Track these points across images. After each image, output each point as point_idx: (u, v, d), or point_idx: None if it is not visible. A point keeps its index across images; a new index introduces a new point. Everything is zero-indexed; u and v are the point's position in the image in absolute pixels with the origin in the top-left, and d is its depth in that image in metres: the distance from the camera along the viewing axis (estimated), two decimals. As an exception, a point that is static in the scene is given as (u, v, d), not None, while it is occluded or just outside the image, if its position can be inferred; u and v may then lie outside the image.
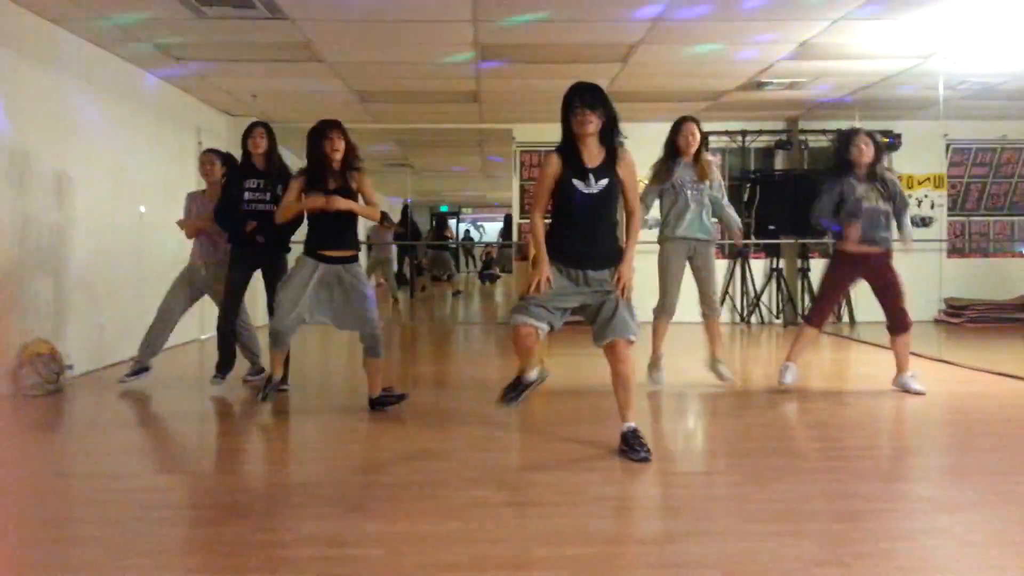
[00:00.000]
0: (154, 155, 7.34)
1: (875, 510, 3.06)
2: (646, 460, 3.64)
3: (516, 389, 3.99)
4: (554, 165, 3.71)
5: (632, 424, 3.79)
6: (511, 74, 7.52)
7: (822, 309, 5.40)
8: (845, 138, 5.24)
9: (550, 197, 3.78)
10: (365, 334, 4.68)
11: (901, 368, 5.30)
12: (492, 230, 22.49)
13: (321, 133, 4.56)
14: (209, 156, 5.71)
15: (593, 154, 3.70)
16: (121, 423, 4.93)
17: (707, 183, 5.35)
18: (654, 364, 5.48)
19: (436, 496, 3.27)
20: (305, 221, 4.81)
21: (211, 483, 3.59)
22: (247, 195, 5.30)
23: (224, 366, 5.57)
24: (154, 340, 5.52)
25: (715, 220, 5.52)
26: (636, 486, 3.49)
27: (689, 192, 5.32)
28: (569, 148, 3.71)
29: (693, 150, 5.35)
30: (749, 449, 4.17)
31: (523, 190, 10.17)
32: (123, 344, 5.56)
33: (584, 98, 3.65)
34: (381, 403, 4.74)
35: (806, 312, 5.73)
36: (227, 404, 5.23)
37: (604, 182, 3.68)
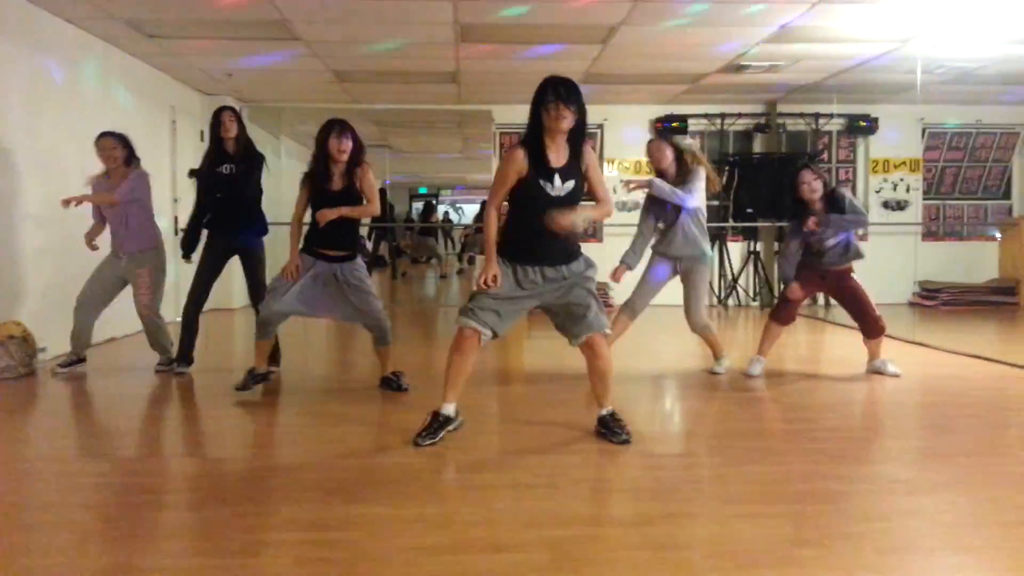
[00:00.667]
0: (127, 134, 7.22)
1: (852, 491, 3.10)
2: (627, 442, 3.66)
3: (432, 426, 3.65)
4: (519, 162, 3.51)
5: (610, 408, 3.80)
6: (490, 55, 7.47)
7: (789, 308, 5.34)
8: (792, 180, 5.18)
9: (510, 192, 3.59)
10: (371, 327, 4.75)
11: (873, 356, 5.38)
12: (471, 212, 22.43)
13: (328, 132, 4.47)
14: (111, 140, 5.32)
15: (560, 151, 3.55)
16: (95, 406, 4.88)
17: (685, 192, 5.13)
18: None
19: (417, 480, 3.27)
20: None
21: (190, 467, 3.56)
22: (221, 181, 5.23)
23: (185, 356, 5.40)
24: (79, 337, 5.38)
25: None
26: (616, 468, 3.51)
27: (669, 210, 5.19)
28: (536, 144, 3.53)
29: (663, 166, 5.19)
30: (727, 431, 4.20)
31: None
32: (97, 326, 5.49)
33: (560, 92, 3.46)
34: (387, 384, 4.87)
35: (772, 308, 5.61)
36: (205, 387, 5.18)
37: (571, 184, 3.54)
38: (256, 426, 4.33)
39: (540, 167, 3.52)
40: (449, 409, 3.70)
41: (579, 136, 3.56)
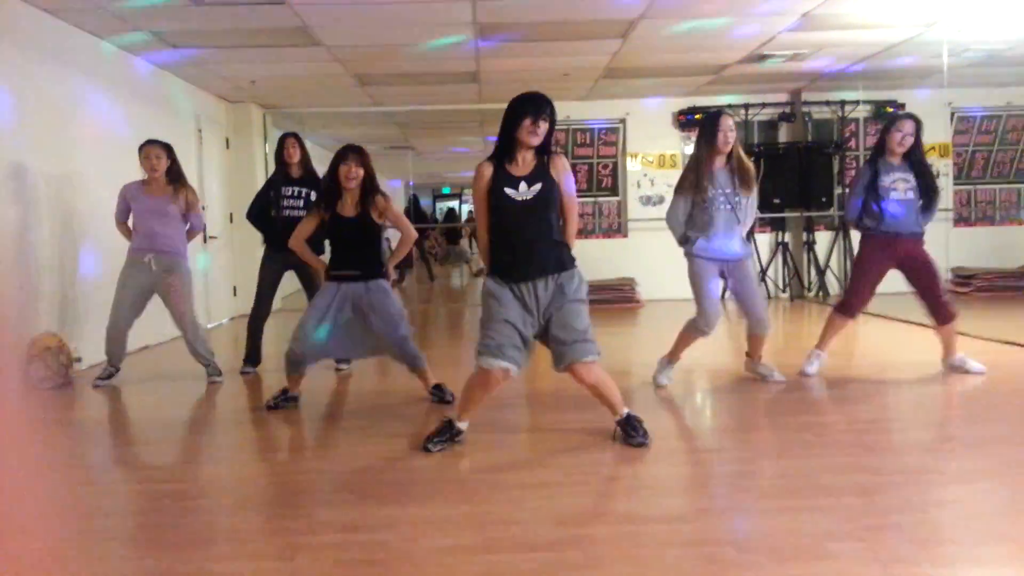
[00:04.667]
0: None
1: (887, 483, 3.06)
2: (643, 444, 3.59)
3: (444, 434, 3.65)
4: (485, 175, 3.56)
5: (625, 411, 3.70)
6: (511, 53, 7.47)
7: (855, 298, 5.06)
8: (888, 125, 5.03)
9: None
10: (397, 356, 4.57)
11: (950, 351, 5.06)
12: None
13: (339, 158, 4.41)
14: (157, 148, 5.31)
15: (526, 163, 3.56)
16: (130, 416, 4.96)
17: (747, 196, 4.70)
18: (668, 361, 4.98)
19: (448, 480, 3.29)
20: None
21: (224, 474, 3.61)
22: (284, 202, 5.56)
23: (251, 358, 5.76)
24: (113, 351, 5.42)
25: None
26: (648, 465, 3.50)
27: (720, 204, 4.65)
28: (503, 156, 3.57)
29: (729, 149, 4.65)
30: (760, 425, 4.18)
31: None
32: (131, 337, 5.57)
33: (536, 109, 3.49)
34: (434, 396, 4.65)
35: (839, 301, 5.21)
36: (236, 396, 5.25)
37: (537, 186, 3.52)
38: (287, 433, 4.38)
39: (504, 176, 3.55)
40: (463, 426, 3.70)
41: (546, 147, 3.58)
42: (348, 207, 4.46)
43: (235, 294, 9.49)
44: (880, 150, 5.04)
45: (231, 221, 9.27)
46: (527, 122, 3.48)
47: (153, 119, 7.35)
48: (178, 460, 3.95)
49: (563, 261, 3.59)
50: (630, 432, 3.64)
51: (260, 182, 7.21)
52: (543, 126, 3.51)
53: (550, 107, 3.55)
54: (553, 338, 3.58)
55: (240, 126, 9.68)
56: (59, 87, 5.94)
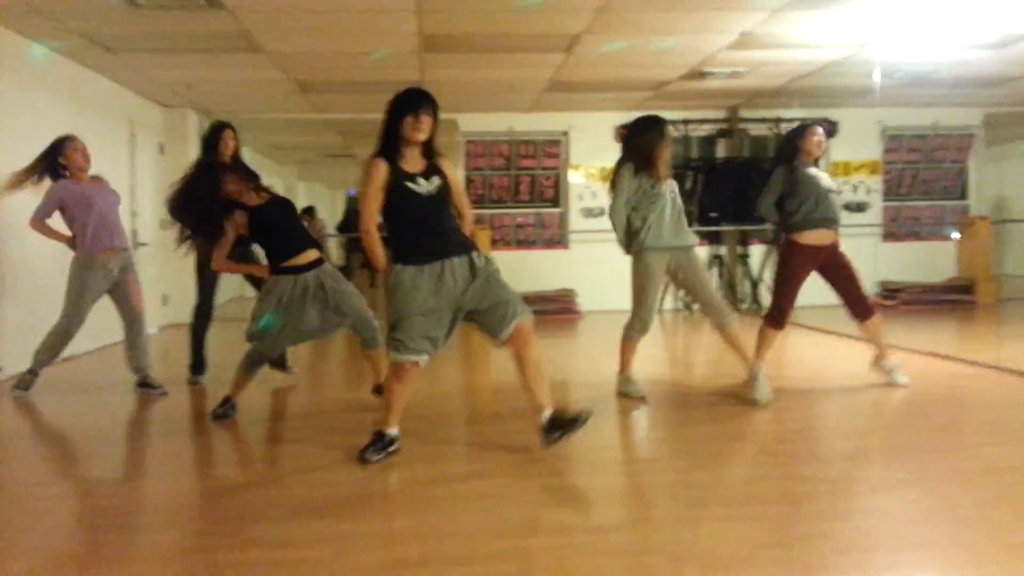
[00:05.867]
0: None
1: (815, 492, 3.13)
2: (585, 423, 3.49)
3: (379, 444, 3.61)
4: (382, 172, 3.53)
5: (549, 412, 3.57)
6: (455, 64, 7.47)
7: (783, 308, 5.01)
8: (802, 130, 5.04)
9: (382, 211, 3.59)
10: (359, 328, 4.57)
11: (882, 354, 5.14)
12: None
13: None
14: (78, 143, 5.12)
15: (415, 160, 3.60)
16: (53, 427, 4.79)
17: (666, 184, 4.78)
18: (627, 377, 4.97)
19: (383, 493, 3.26)
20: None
21: (148, 488, 3.51)
22: None
23: (198, 367, 5.53)
24: (48, 360, 5.18)
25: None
26: (582, 476, 3.52)
27: (668, 194, 4.73)
28: (392, 155, 3.57)
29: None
30: (692, 435, 4.23)
31: (469, 180, 10.11)
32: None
33: (419, 103, 3.55)
34: (380, 392, 4.47)
35: (767, 313, 5.14)
36: (164, 408, 5.11)
37: (436, 180, 3.58)
38: (218, 446, 4.28)
39: (400, 173, 3.56)
40: (394, 432, 3.67)
41: (431, 145, 3.62)
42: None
43: (165, 303, 9.25)
44: (794, 153, 4.99)
45: (162, 228, 9.04)
46: (409, 119, 3.52)
47: (85, 123, 7.14)
48: (100, 475, 3.81)
49: (464, 241, 3.65)
50: (568, 421, 3.49)
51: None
52: (426, 120, 3.53)
53: (431, 102, 3.57)
54: (483, 312, 3.56)
55: (175, 131, 9.46)
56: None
